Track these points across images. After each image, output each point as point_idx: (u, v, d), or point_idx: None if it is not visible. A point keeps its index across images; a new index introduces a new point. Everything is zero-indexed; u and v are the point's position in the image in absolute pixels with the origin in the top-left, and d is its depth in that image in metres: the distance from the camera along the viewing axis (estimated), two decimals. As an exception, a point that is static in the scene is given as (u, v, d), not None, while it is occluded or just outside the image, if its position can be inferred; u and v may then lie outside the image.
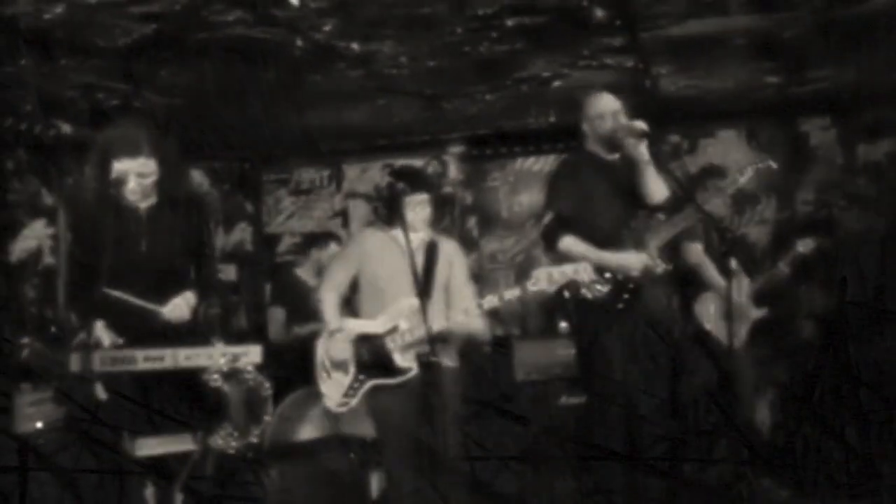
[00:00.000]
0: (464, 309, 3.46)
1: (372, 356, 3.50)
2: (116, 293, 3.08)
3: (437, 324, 3.39)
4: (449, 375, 3.52)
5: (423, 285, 3.42)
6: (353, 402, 3.50)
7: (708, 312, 4.52)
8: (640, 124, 3.62)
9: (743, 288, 4.59)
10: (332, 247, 5.47)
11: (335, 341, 3.56)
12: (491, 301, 3.40)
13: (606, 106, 3.75)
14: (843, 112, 5.96)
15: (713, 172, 4.69)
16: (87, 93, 4.95)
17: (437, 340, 3.30)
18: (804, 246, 4.68)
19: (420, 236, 3.58)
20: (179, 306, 3.29)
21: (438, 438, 3.34)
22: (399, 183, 3.58)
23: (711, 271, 4.52)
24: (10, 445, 2.98)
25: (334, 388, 3.56)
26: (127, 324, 3.18)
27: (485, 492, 4.03)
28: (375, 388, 3.50)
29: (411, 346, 3.44)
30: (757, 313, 4.67)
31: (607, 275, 3.60)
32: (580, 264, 3.37)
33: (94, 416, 2.97)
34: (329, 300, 3.66)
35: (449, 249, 3.74)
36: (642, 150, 3.64)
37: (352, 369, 3.52)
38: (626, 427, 3.60)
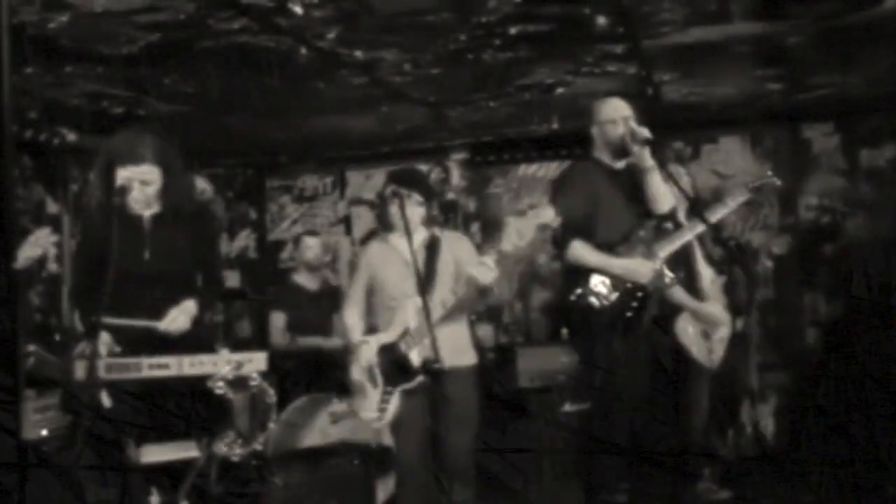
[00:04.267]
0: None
1: (393, 365, 3.50)
2: (110, 320, 3.06)
3: (437, 313, 3.37)
4: (461, 374, 3.51)
5: (426, 283, 3.41)
6: (388, 414, 3.50)
7: (686, 331, 4.36)
8: (644, 131, 3.63)
9: (717, 305, 4.48)
10: (307, 241, 5.51)
11: (362, 352, 3.58)
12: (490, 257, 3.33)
13: (617, 111, 3.73)
14: (846, 118, 5.96)
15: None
16: (92, 100, 4.96)
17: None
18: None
19: (420, 236, 3.57)
20: (177, 319, 3.24)
21: (449, 438, 3.35)
22: (393, 184, 3.59)
23: (680, 293, 4.30)
24: (11, 443, 2.97)
25: (367, 404, 3.56)
26: (129, 336, 3.17)
27: (493, 488, 4.03)
28: (401, 394, 3.50)
29: (423, 345, 3.43)
30: (731, 329, 4.51)
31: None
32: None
33: (100, 416, 2.96)
34: (353, 320, 3.69)
35: (453, 242, 3.71)
36: (647, 158, 3.64)
37: (380, 382, 3.54)
38: (630, 434, 3.61)
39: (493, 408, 4.71)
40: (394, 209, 3.51)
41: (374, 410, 3.51)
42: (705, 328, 4.36)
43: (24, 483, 2.79)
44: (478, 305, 3.76)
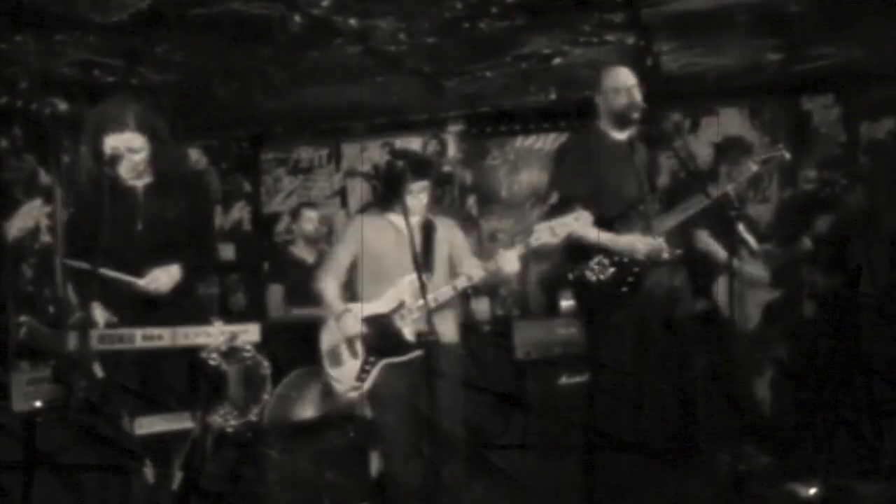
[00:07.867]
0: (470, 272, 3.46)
1: (381, 336, 3.48)
2: (104, 271, 3.04)
3: (442, 293, 3.42)
4: (449, 351, 3.51)
5: (424, 261, 3.41)
6: (366, 385, 3.49)
7: (722, 296, 4.38)
8: (640, 103, 3.61)
9: (759, 268, 4.58)
10: (306, 213, 5.46)
11: (344, 321, 3.54)
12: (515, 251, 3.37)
13: (622, 80, 3.69)
14: (846, 90, 5.93)
15: (737, 146, 4.55)
16: (83, 69, 4.90)
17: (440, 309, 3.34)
18: (822, 224, 4.63)
19: (417, 219, 3.58)
20: (158, 278, 3.22)
21: (438, 414, 3.35)
22: (399, 164, 3.56)
23: (721, 255, 4.37)
24: (12, 442, 2.97)
25: (345, 373, 3.54)
26: (123, 303, 3.16)
27: (484, 469, 4.03)
28: (385, 367, 3.49)
29: (418, 320, 3.42)
30: (771, 294, 4.61)
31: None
32: (579, 213, 3.30)
33: (93, 406, 2.95)
34: (330, 287, 3.66)
35: (447, 227, 3.74)
36: (650, 132, 3.61)
37: (361, 352, 3.51)
38: (631, 412, 3.60)
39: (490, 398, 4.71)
40: (396, 189, 3.49)
41: (351, 380, 3.50)
42: (741, 290, 4.36)
43: (30, 483, 2.77)
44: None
